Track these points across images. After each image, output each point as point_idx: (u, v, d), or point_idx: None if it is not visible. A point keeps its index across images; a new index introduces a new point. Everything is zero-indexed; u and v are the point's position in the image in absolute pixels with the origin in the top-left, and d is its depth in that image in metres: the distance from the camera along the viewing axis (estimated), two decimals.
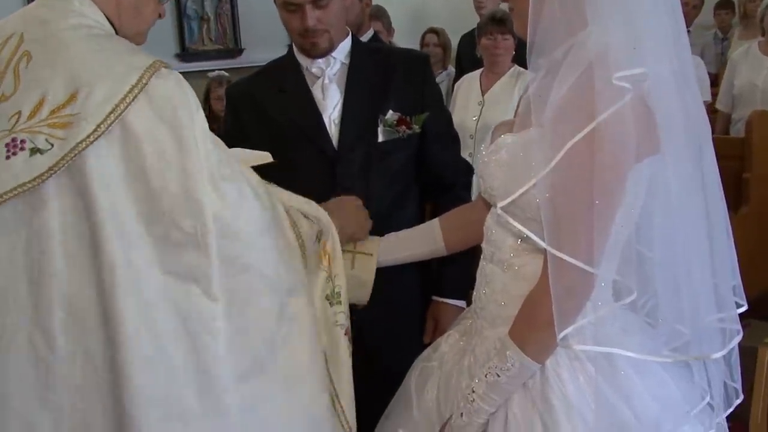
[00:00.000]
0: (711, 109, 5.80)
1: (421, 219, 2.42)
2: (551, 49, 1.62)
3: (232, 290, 1.56)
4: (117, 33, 1.71)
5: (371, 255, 2.15)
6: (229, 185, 1.59)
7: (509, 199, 1.66)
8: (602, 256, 1.57)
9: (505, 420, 1.69)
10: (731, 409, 1.75)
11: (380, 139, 2.34)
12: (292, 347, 1.65)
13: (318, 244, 1.87)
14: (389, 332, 2.35)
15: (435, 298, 2.45)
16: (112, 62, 1.56)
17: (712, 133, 5.66)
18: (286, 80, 2.42)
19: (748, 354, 2.08)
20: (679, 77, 1.63)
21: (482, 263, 1.84)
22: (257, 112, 2.35)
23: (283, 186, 2.32)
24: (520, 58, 4.26)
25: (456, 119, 4.68)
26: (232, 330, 1.55)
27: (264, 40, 6.17)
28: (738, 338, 1.72)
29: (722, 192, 1.71)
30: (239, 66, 5.98)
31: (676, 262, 1.66)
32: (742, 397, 1.76)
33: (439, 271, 2.36)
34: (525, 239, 1.69)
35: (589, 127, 1.52)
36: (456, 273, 2.34)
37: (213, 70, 5.67)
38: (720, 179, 1.71)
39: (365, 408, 2.04)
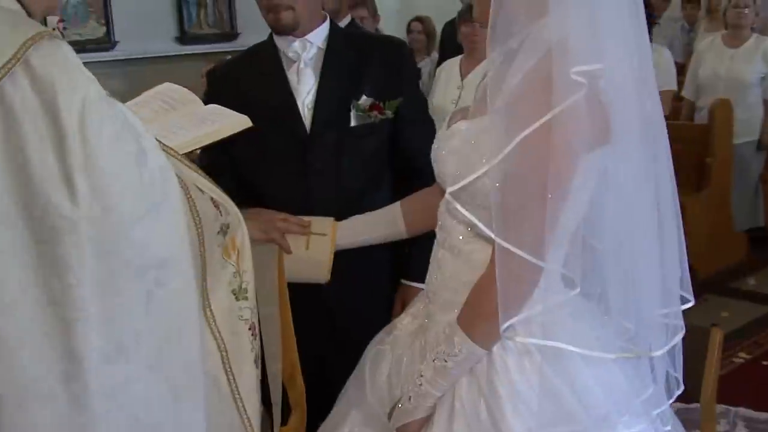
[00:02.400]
0: (677, 97, 5.74)
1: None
2: (510, 36, 1.51)
3: (101, 275, 1.43)
4: (25, 8, 1.56)
5: (325, 235, 2.05)
6: (117, 164, 1.46)
7: (458, 186, 1.55)
8: (550, 248, 1.47)
9: (452, 405, 1.59)
10: (672, 400, 1.66)
11: (352, 123, 2.22)
12: (158, 337, 1.52)
13: (224, 237, 1.74)
14: (358, 312, 2.24)
15: (403, 281, 2.33)
16: None
17: (678, 119, 5.62)
18: (264, 64, 2.31)
19: (701, 333, 2.04)
20: (638, 75, 1.52)
21: (435, 248, 1.74)
22: (234, 95, 2.19)
23: (257, 168, 2.25)
24: None
25: (436, 102, 4.61)
26: (100, 315, 1.44)
27: (258, 25, 6.00)
28: (681, 334, 1.63)
29: (675, 188, 1.62)
30: (235, 49, 5.83)
31: (624, 255, 1.56)
32: (682, 387, 1.67)
33: (408, 254, 2.24)
34: (475, 226, 1.58)
35: (545, 117, 1.41)
36: (425, 257, 2.20)
37: (209, 54, 5.58)
38: (673, 175, 1.61)
39: (334, 387, 1.95)
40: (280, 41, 2.29)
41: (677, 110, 5.68)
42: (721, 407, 3.70)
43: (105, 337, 1.45)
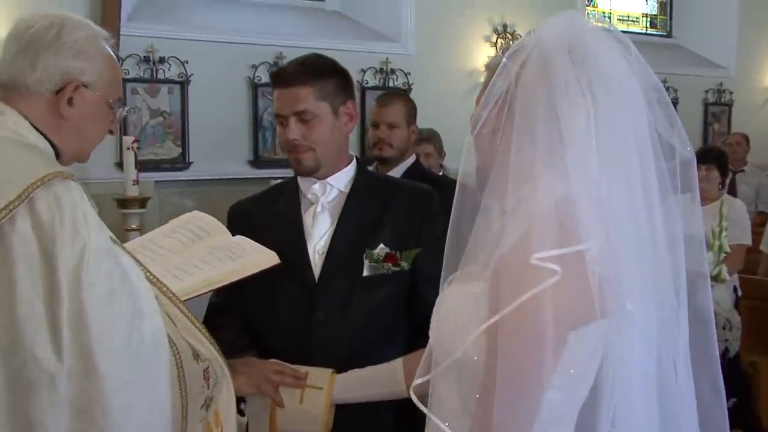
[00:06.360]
0: (755, 250, 5.44)
1: None
2: (501, 196, 1.42)
3: None
4: (56, 149, 1.59)
5: (321, 389, 1.93)
6: (106, 325, 1.39)
7: (441, 368, 1.44)
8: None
9: None
10: None
11: (365, 273, 2.11)
12: None
13: (207, 411, 1.64)
14: None
15: None
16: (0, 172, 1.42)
17: (755, 274, 5.22)
18: (282, 203, 2.25)
19: None
20: (644, 243, 1.41)
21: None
22: (252, 233, 2.13)
23: (263, 314, 2.15)
24: None
25: None
26: None
27: None
28: None
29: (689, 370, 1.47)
30: None
31: None
32: None
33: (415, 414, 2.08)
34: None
35: (513, 304, 1.29)
36: None
37: (279, 178, 5.64)
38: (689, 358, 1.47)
39: None
40: (302, 181, 2.24)
41: (754, 264, 5.38)
42: None
43: None
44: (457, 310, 1.47)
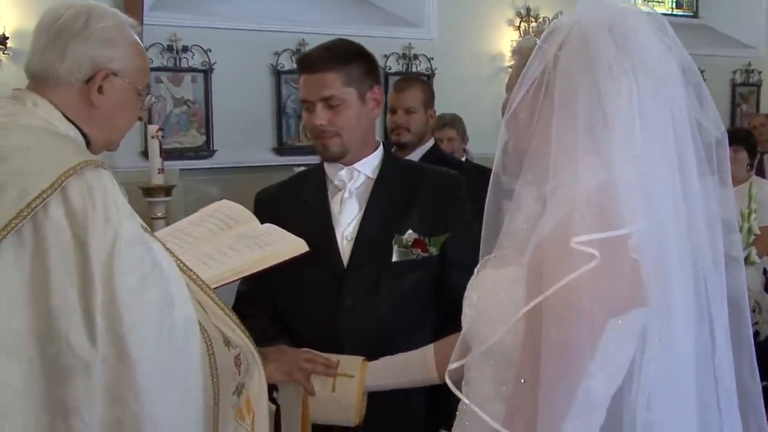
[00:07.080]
0: None
1: None
2: (539, 179, 1.39)
3: (108, 422, 1.39)
4: (86, 138, 1.60)
5: (353, 377, 1.92)
6: (138, 313, 1.40)
7: (478, 352, 1.42)
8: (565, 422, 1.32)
9: None
10: None
11: (394, 258, 2.10)
12: None
13: (239, 398, 1.64)
14: None
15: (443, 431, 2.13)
16: (34, 161, 1.42)
17: None
18: (308, 190, 2.25)
19: None
20: (685, 229, 1.39)
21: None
22: (277, 220, 2.13)
23: (291, 301, 2.15)
24: None
25: None
26: None
27: None
28: None
29: (730, 359, 1.45)
30: None
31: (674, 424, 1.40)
32: None
33: (446, 399, 2.09)
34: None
35: (553, 288, 1.27)
36: None
37: (302, 165, 5.64)
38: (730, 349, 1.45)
39: None
40: (328, 168, 2.23)
41: None
42: None
43: None
44: (492, 295, 1.46)
